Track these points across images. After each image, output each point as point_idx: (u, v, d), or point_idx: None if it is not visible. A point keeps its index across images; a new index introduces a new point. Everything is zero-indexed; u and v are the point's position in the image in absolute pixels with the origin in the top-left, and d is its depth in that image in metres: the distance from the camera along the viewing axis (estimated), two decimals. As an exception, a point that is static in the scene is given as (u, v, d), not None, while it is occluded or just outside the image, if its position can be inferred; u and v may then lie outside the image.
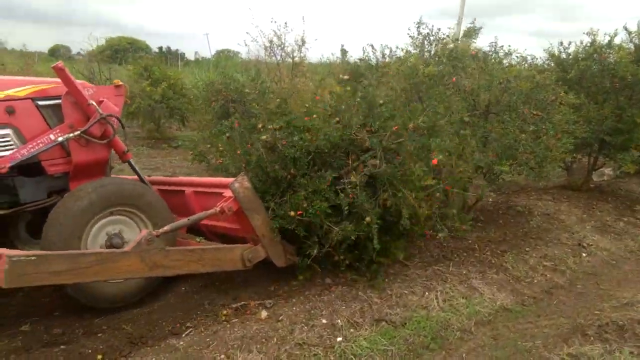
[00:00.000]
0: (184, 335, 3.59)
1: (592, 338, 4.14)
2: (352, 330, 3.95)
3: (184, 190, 4.64)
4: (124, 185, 4.10)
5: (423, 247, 5.44)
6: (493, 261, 5.43)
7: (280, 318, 3.89)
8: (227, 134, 4.94)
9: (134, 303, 4.02)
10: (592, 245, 6.31)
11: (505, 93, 5.86)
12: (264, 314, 3.92)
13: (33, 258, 3.03)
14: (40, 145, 3.86)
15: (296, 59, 9.21)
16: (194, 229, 4.95)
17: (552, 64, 8.69)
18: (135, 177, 4.66)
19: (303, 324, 3.87)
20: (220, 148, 5.67)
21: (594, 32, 7.85)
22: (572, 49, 8.35)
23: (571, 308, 4.84)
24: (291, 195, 4.22)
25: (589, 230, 6.73)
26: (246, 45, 12.00)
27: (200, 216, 3.99)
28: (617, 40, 8.14)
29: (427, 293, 4.63)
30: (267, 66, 9.64)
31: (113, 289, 3.90)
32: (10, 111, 3.81)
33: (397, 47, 8.86)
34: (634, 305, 4.75)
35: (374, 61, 10.31)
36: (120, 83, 4.54)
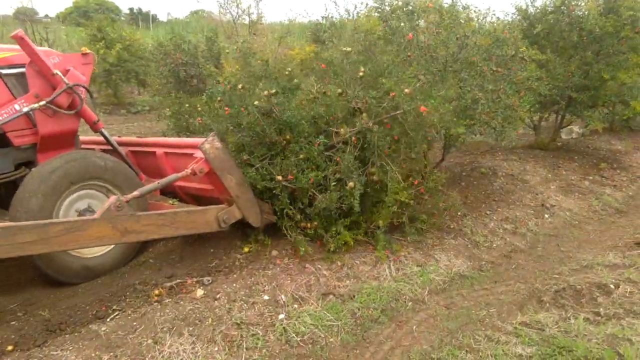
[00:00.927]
0: (108, 319, 3.30)
1: (547, 304, 3.98)
2: (296, 306, 3.71)
3: (154, 152, 4.47)
4: (93, 159, 3.95)
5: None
6: (452, 226, 5.23)
7: (218, 296, 3.62)
8: (219, 97, 4.77)
9: (55, 285, 3.69)
10: (555, 205, 6.16)
11: (463, 49, 5.51)
12: (200, 292, 3.64)
13: None
14: (5, 115, 3.74)
15: (253, 16, 8.63)
16: (169, 191, 4.75)
17: (521, 19, 8.34)
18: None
19: (242, 302, 3.61)
20: (199, 108, 5.57)
21: (561, -17, 7.48)
22: (540, 2, 8.01)
23: (529, 272, 4.68)
24: (282, 160, 4.23)
25: (553, 190, 6.58)
26: (198, 1, 11.24)
27: (171, 179, 3.85)
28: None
29: (379, 263, 4.40)
30: (223, 25, 9.04)
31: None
32: None
33: (361, 2, 8.39)
34: (593, 268, 4.61)
35: (337, 19, 9.84)
36: (88, 51, 4.36)
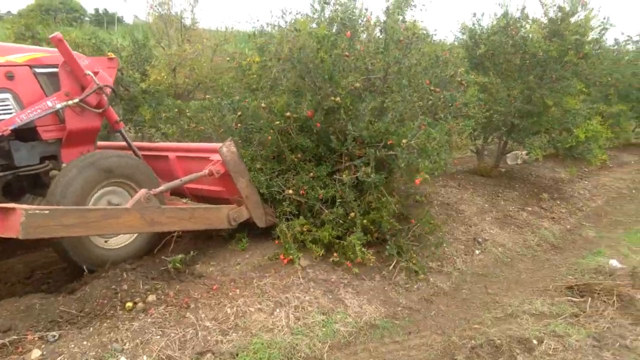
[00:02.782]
0: None
1: (460, 365, 3.49)
2: (159, 369, 3.07)
3: (167, 156, 4.81)
4: (124, 159, 4.28)
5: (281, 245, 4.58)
6: (370, 263, 4.68)
7: (60, 358, 2.95)
8: (239, 114, 5.04)
9: None
10: (488, 240, 5.74)
11: (405, 57, 5.06)
12: (36, 353, 2.95)
13: (46, 212, 3.23)
14: (39, 110, 4.01)
15: (186, 20, 8.00)
16: (177, 192, 5.01)
17: (467, 38, 8.03)
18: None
19: (89, 366, 2.95)
20: (188, 114, 6.16)
21: (505, 3, 7.18)
22: (486, 22, 7.70)
23: (449, 321, 4.20)
24: (294, 176, 4.72)
25: (489, 222, 6.17)
26: (125, 1, 10.46)
27: (191, 177, 4.28)
28: (532, 13, 7.59)
29: (277, 310, 3.82)
30: (151, 29, 8.36)
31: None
32: (10, 76, 3.97)
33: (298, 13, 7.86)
34: (518, 317, 4.17)
35: (284, 29, 9.31)
36: (113, 56, 4.73)
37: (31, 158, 4.16)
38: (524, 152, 9.49)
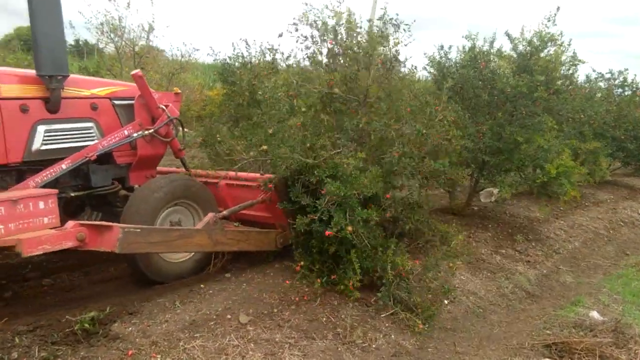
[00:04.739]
0: None
1: None
2: None
3: (217, 182, 5.13)
4: (189, 182, 4.72)
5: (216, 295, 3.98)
6: (323, 318, 4.11)
7: None
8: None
9: None
10: (459, 287, 5.21)
11: (386, 79, 4.83)
12: None
13: (138, 230, 3.68)
14: (117, 138, 4.52)
15: (140, 47, 7.54)
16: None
17: (435, 72, 7.72)
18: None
19: None
20: (219, 138, 6.11)
21: (472, 37, 6.90)
22: (454, 55, 7.41)
23: (411, 389, 3.62)
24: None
25: (459, 267, 5.65)
26: (72, 26, 9.97)
27: (249, 204, 4.75)
28: (501, 48, 7.34)
29: (206, 381, 3.19)
30: (103, 57, 7.90)
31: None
32: (95, 107, 4.51)
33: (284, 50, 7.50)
34: (490, 383, 3.62)
35: (247, 59, 8.99)
36: (179, 91, 5.21)
37: (105, 180, 4.64)
38: (497, 190, 9.13)
